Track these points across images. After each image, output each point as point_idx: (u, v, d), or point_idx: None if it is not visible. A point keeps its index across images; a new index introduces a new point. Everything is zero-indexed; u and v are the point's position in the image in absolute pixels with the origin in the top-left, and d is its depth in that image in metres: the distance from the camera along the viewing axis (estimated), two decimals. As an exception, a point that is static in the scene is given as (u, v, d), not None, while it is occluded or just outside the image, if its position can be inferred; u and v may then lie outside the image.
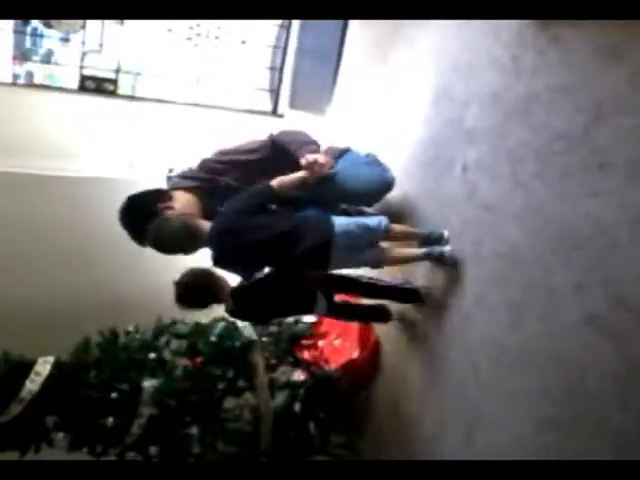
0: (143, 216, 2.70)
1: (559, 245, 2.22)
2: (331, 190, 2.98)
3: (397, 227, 2.88)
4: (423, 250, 2.87)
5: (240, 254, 2.64)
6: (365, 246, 2.73)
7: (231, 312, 2.91)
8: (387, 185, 3.14)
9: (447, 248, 2.82)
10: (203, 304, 2.80)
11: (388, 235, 2.81)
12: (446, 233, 2.87)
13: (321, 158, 2.87)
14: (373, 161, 3.21)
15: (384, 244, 2.87)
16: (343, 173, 3.00)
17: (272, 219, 2.68)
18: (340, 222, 2.68)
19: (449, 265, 2.82)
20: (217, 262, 2.69)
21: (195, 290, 2.77)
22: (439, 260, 2.84)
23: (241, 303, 2.83)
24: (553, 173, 2.29)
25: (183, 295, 2.74)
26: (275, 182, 2.73)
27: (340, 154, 3.15)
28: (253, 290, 2.84)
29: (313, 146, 3.04)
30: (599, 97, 2.13)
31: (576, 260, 2.13)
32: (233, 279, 2.92)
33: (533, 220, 2.37)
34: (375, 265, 2.84)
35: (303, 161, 2.83)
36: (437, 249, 2.83)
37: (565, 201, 2.22)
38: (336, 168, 3.01)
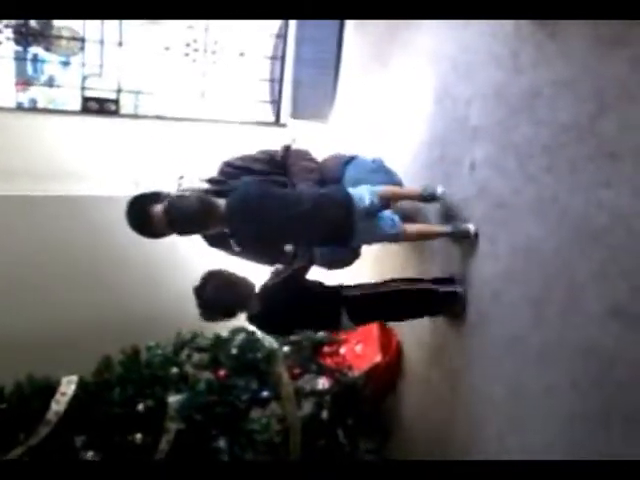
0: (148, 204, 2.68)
1: (576, 237, 2.22)
2: None
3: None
4: (448, 227, 2.92)
5: (259, 226, 2.64)
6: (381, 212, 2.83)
7: (252, 318, 2.82)
8: None
9: (472, 225, 2.84)
10: (230, 312, 2.73)
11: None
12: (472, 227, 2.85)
13: None
14: (379, 167, 3.30)
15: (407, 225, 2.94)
16: (350, 181, 3.09)
17: (290, 190, 2.79)
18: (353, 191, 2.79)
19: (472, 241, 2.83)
20: (234, 237, 2.68)
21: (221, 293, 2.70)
22: (465, 237, 2.86)
23: (267, 306, 2.73)
24: (563, 166, 2.29)
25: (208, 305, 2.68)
26: None
27: (347, 161, 3.26)
28: (278, 291, 2.78)
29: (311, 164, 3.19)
30: (601, 86, 2.13)
31: (595, 251, 2.13)
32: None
33: (547, 214, 2.37)
34: (395, 237, 2.90)
35: None
36: (463, 225, 2.86)
37: (578, 193, 2.21)
38: (345, 176, 3.13)
